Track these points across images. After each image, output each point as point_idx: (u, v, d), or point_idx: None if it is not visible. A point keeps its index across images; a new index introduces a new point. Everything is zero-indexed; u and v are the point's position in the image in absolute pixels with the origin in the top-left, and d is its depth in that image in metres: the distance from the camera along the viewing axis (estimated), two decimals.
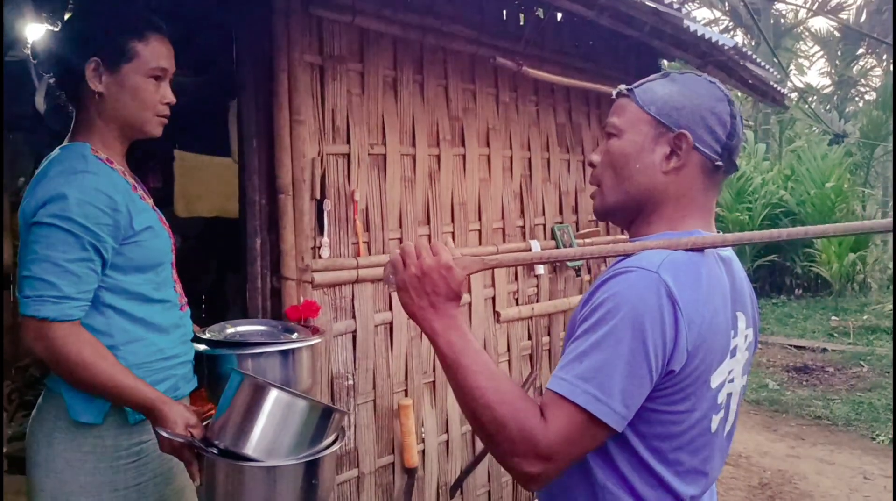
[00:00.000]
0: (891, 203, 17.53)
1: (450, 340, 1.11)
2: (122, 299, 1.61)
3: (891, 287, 11.57)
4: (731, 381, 1.19)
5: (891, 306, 9.79)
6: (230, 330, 1.94)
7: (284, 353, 1.83)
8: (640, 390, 1.05)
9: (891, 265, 12.20)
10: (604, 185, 1.25)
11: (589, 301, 1.10)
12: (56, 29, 1.72)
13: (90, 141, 1.63)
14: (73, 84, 1.62)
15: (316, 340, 1.92)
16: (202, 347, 1.80)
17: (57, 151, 1.63)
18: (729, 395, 1.19)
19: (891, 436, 5.42)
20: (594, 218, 4.02)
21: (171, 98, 1.70)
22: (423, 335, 1.14)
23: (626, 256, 1.13)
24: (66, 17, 1.69)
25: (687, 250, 1.12)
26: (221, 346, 1.81)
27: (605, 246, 1.14)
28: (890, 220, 1.02)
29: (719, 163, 1.19)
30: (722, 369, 1.15)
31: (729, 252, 1.26)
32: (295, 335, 2.02)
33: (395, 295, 2.98)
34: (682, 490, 1.14)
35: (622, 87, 1.26)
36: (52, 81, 1.68)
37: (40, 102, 4.30)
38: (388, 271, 1.20)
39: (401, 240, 2.91)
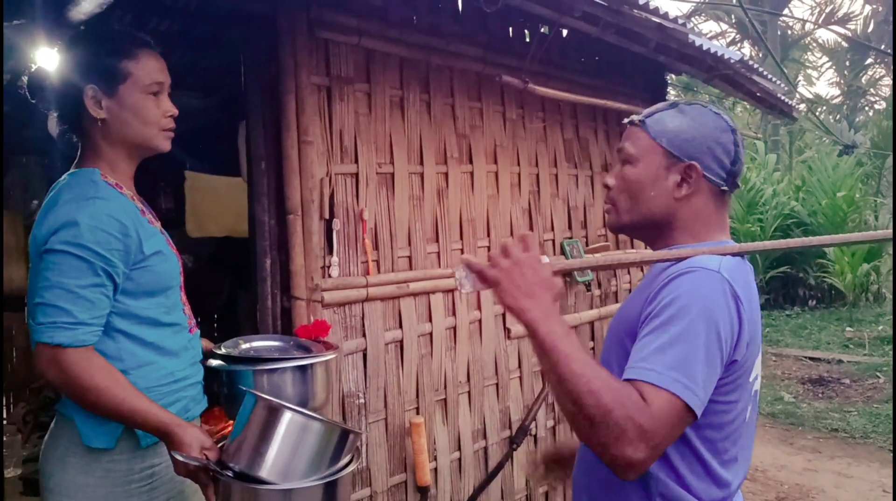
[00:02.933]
0: None
1: (550, 329, 1.14)
2: (133, 324, 1.61)
3: None
4: (758, 376, 1.31)
5: None
6: (244, 346, 1.94)
7: (300, 369, 1.81)
8: (714, 378, 1.14)
9: None
10: (619, 206, 1.37)
11: (655, 300, 1.18)
12: (45, 67, 1.71)
13: (98, 166, 1.63)
14: (75, 114, 1.63)
15: (331, 355, 1.91)
16: (217, 362, 1.79)
17: (66, 177, 1.64)
18: (757, 389, 1.31)
19: None
20: (603, 233, 4.01)
21: (174, 110, 1.70)
22: (524, 326, 1.17)
23: (679, 260, 1.24)
24: (54, 50, 1.70)
25: (732, 255, 1.24)
26: (237, 362, 1.80)
27: (661, 252, 1.28)
28: (889, 231, 1.08)
29: (725, 188, 1.33)
30: (756, 363, 1.28)
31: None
32: (308, 352, 2.02)
33: (463, 296, 2.91)
34: (727, 478, 1.23)
35: (634, 116, 1.37)
36: (54, 115, 1.68)
37: (53, 126, 4.37)
38: (460, 274, 1.26)
39: (410, 258, 2.92)
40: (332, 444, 1.53)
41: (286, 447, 1.47)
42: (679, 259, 1.24)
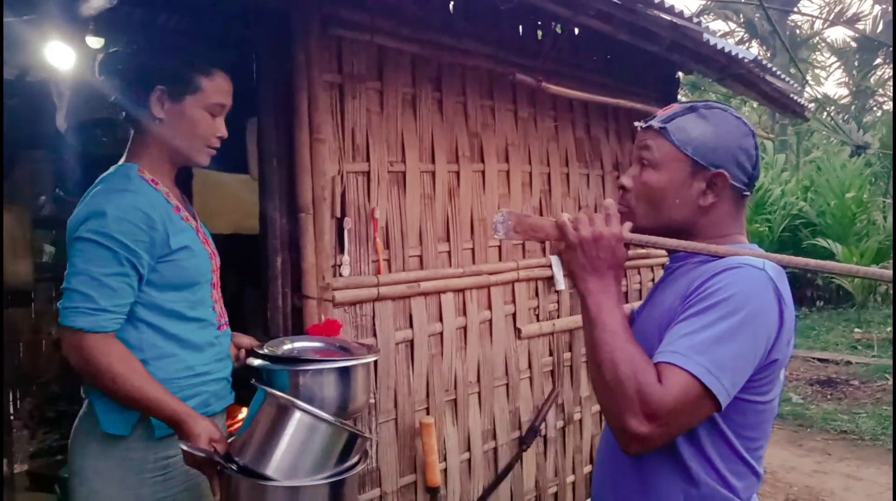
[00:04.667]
0: None
1: (600, 300, 1.20)
2: (156, 316, 1.66)
3: None
4: (783, 375, 1.32)
5: None
6: (287, 346, 1.93)
7: (340, 370, 1.78)
8: (745, 371, 1.14)
9: None
10: (637, 212, 1.34)
11: (697, 291, 1.18)
12: (128, 51, 1.81)
13: (140, 162, 1.71)
14: (137, 106, 1.70)
15: (372, 358, 1.90)
16: (257, 362, 1.78)
17: (109, 170, 1.71)
18: (783, 387, 1.33)
19: None
20: None
21: (224, 132, 1.78)
22: (577, 292, 1.25)
23: (717, 257, 1.24)
24: (136, 43, 1.81)
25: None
26: (277, 362, 1.79)
27: (705, 245, 1.27)
28: (891, 272, 1.11)
29: (747, 193, 1.33)
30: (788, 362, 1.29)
31: None
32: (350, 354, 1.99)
33: (501, 239, 2.80)
34: (760, 471, 1.25)
35: (654, 122, 1.34)
36: (113, 98, 1.75)
37: (61, 121, 4.36)
38: (498, 219, 1.30)
39: (421, 257, 2.90)
40: (340, 445, 1.52)
41: (293, 446, 1.47)
42: (717, 256, 1.25)
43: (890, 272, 1.17)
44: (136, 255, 1.58)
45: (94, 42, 3.58)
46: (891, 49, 17.71)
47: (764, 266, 1.18)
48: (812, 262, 1.23)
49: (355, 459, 1.56)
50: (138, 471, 1.63)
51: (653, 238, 1.30)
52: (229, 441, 1.57)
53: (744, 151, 1.30)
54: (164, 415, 1.58)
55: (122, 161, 1.74)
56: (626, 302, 4.04)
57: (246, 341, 1.95)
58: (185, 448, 1.49)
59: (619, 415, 1.11)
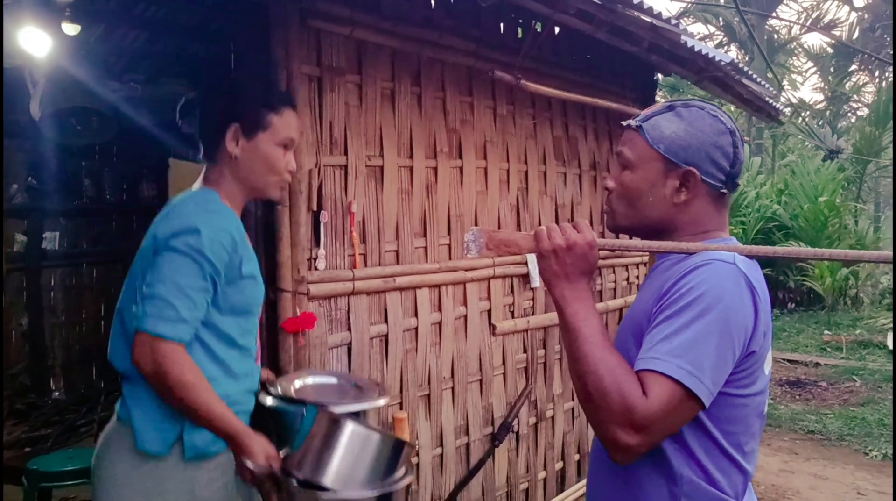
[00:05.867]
0: (882, 218, 17.64)
1: (576, 309, 1.21)
2: (211, 337, 1.69)
3: (883, 302, 11.62)
4: (769, 368, 1.30)
5: (883, 321, 9.82)
6: (298, 384, 1.96)
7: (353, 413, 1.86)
8: (724, 368, 1.14)
9: (882, 281, 12.25)
10: (617, 212, 1.36)
11: (669, 292, 1.18)
12: (215, 94, 1.96)
13: (219, 189, 1.78)
14: (213, 143, 1.78)
15: (382, 401, 1.94)
16: (271, 401, 1.80)
17: (191, 190, 1.79)
18: (769, 379, 1.30)
19: (883, 452, 5.41)
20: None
21: (295, 166, 1.85)
22: (552, 300, 1.26)
23: (689, 254, 1.24)
24: (216, 85, 1.89)
25: (748, 256, 1.24)
26: (296, 402, 1.80)
27: (698, 244, 1.27)
28: (890, 253, 1.08)
29: (724, 190, 1.31)
30: (768, 357, 1.26)
31: None
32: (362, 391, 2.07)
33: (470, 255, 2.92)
34: (749, 469, 1.25)
35: (631, 121, 1.35)
36: (194, 133, 1.85)
37: (35, 109, 4.29)
38: (469, 237, 1.35)
39: (397, 252, 2.90)
40: (388, 455, 1.62)
41: (348, 457, 1.56)
42: (689, 253, 1.26)
43: (889, 253, 1.13)
44: (217, 274, 1.64)
45: (71, 29, 3.54)
46: (866, 56, 17.97)
47: (734, 260, 1.18)
48: (804, 250, 1.22)
49: (403, 469, 1.66)
50: (169, 491, 1.64)
51: (622, 241, 1.34)
52: (283, 457, 1.63)
53: (719, 149, 1.29)
54: (224, 430, 1.61)
55: (198, 185, 1.80)
56: (601, 300, 4.08)
57: (262, 373, 1.94)
58: (249, 465, 1.57)
59: (606, 428, 1.11)
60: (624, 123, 1.39)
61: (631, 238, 1.41)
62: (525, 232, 1.35)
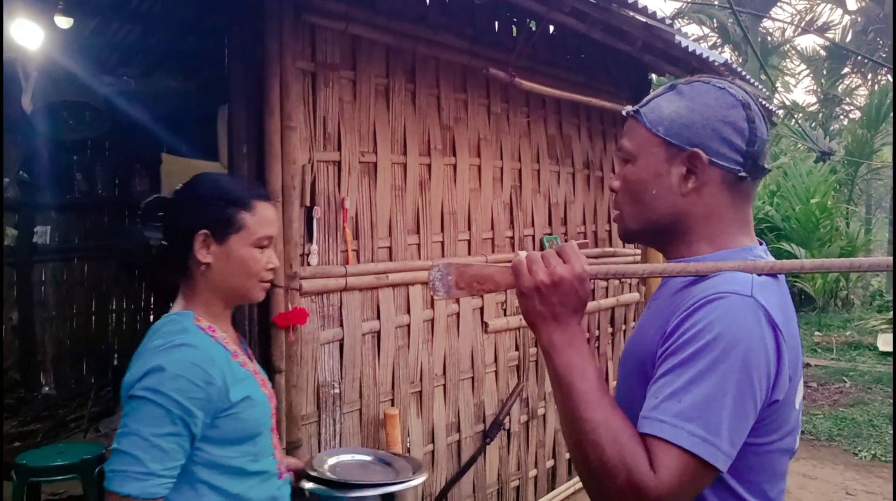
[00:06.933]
0: (873, 221, 17.73)
1: (569, 359, 1.02)
2: (217, 475, 1.56)
3: (873, 304, 11.68)
4: (801, 402, 1.13)
5: (873, 323, 9.87)
6: (330, 462, 1.97)
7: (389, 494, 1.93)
8: (745, 425, 0.97)
9: (873, 283, 12.32)
10: (624, 212, 1.18)
11: (677, 332, 1.00)
12: (169, 198, 1.69)
13: (194, 308, 1.62)
14: (182, 253, 1.61)
15: (419, 480, 1.96)
16: (310, 486, 1.84)
17: (162, 320, 1.62)
18: (799, 415, 1.13)
19: (872, 452, 5.45)
20: (583, 230, 4.02)
21: (276, 263, 1.68)
22: (539, 345, 1.05)
23: (701, 276, 1.05)
24: (177, 189, 1.69)
25: (764, 274, 1.03)
26: (332, 486, 1.86)
27: (679, 265, 1.06)
28: (890, 259, 0.98)
29: (743, 174, 1.10)
30: (799, 388, 1.09)
31: None
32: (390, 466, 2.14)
33: (436, 299, 2.94)
34: None
35: (629, 108, 1.19)
36: (159, 245, 1.65)
37: (27, 103, 4.27)
38: (435, 275, 1.11)
39: (390, 249, 2.90)
40: None
41: None
42: (700, 275, 1.06)
43: (889, 260, 0.99)
44: (190, 414, 1.48)
45: (63, 22, 3.52)
46: (858, 59, 18.06)
47: (752, 292, 0.99)
48: (808, 263, 1.04)
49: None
50: None
51: (619, 268, 1.15)
52: None
53: (729, 124, 1.09)
54: None
55: (175, 309, 1.65)
56: (593, 299, 4.08)
57: (292, 462, 1.89)
58: None
59: None
60: (623, 112, 1.22)
61: (636, 246, 1.31)
62: (501, 266, 1.10)
